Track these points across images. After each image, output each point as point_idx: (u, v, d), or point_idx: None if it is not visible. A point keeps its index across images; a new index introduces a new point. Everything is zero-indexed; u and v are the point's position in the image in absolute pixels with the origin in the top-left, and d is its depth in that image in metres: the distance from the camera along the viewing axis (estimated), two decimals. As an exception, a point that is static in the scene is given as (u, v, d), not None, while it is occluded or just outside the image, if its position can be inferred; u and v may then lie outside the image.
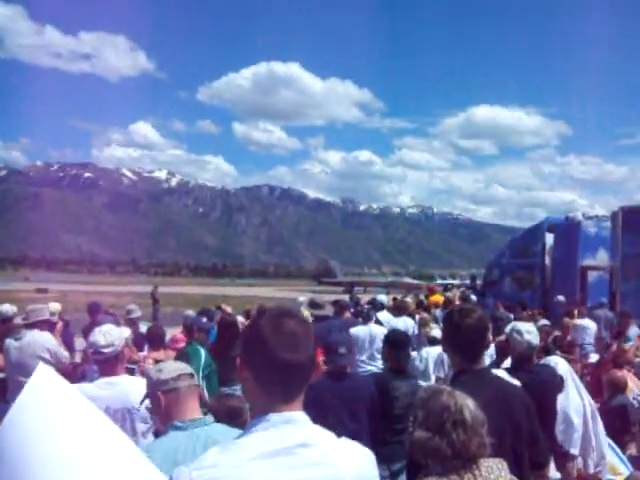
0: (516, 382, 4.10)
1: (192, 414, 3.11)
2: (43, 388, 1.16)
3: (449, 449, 2.50)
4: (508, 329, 5.52)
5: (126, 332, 4.74)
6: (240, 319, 10.05)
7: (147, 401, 3.33)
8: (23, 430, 1.09)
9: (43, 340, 6.93)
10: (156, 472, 1.30)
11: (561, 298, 15.19)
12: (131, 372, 5.94)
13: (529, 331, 5.26)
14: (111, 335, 4.32)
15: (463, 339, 3.38)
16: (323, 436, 1.86)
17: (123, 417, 3.97)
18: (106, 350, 4.20)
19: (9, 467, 1.07)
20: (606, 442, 6.22)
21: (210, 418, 3.16)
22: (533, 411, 3.50)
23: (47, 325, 7.25)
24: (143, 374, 5.58)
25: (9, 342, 7.01)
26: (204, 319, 8.24)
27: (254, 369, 1.86)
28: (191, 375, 3.27)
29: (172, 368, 3.25)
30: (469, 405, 2.60)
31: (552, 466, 5.12)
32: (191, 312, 9.24)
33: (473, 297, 18.43)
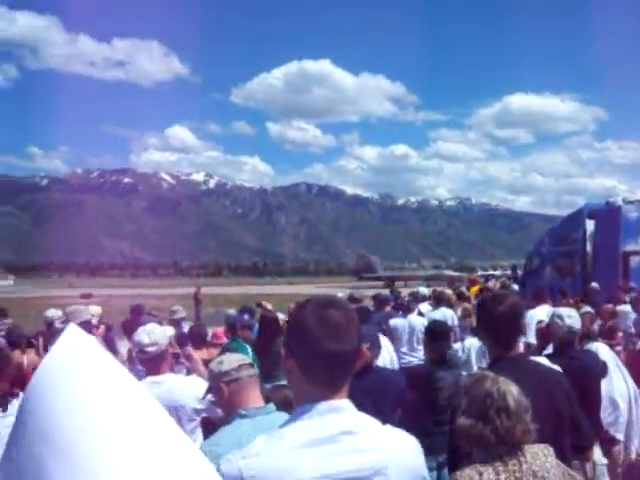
0: (557, 368, 4.09)
1: (255, 402, 3.20)
2: (73, 346, 1.11)
3: (493, 435, 2.52)
4: (549, 314, 5.51)
5: (170, 331, 4.81)
6: (281, 316, 10.10)
7: (209, 395, 3.43)
8: (51, 386, 1.07)
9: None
10: (186, 440, 1.23)
11: (595, 285, 14.98)
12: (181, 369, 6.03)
13: (570, 315, 5.23)
14: (155, 334, 4.38)
15: (497, 326, 3.36)
16: (368, 423, 1.87)
17: (169, 415, 4.03)
18: (150, 349, 4.25)
19: (38, 421, 1.06)
20: None
21: (272, 407, 3.22)
22: (574, 396, 3.47)
23: (87, 327, 7.33)
24: (190, 371, 5.66)
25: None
26: (246, 316, 8.30)
27: (299, 359, 1.87)
28: (251, 365, 3.36)
29: (232, 359, 3.36)
30: (512, 391, 2.61)
31: (598, 451, 5.11)
32: (232, 311, 9.30)
33: (514, 286, 18.30)
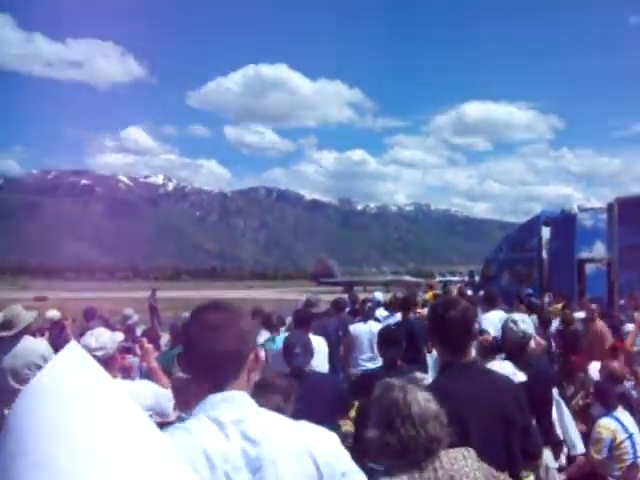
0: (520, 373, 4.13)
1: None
2: (70, 363, 1.13)
3: (399, 445, 2.52)
4: (502, 320, 5.58)
5: (119, 337, 4.73)
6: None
7: None
8: (40, 402, 1.08)
9: (37, 347, 6.86)
10: (173, 456, 1.24)
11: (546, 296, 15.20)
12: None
13: (524, 321, 5.33)
14: (103, 338, 4.31)
15: (447, 331, 3.34)
16: (262, 414, 1.96)
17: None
18: (97, 353, 4.19)
19: (20, 435, 1.07)
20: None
21: None
22: (524, 403, 3.49)
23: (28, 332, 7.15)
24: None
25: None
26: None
27: (188, 359, 2.06)
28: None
29: None
30: (418, 399, 2.60)
31: (550, 455, 5.17)
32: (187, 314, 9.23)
33: (469, 292, 18.45)
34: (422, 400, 2.60)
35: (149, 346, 5.31)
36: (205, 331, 1.97)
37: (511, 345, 5.31)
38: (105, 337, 4.36)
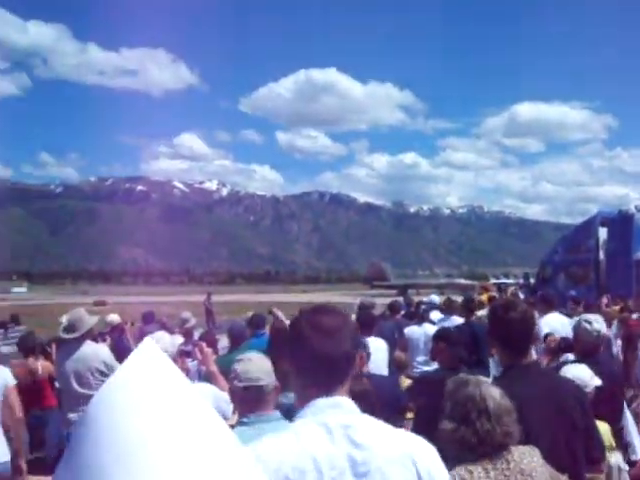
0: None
1: (261, 410, 3.29)
2: (146, 361, 1.16)
3: (474, 438, 2.57)
4: (576, 320, 5.56)
5: (178, 340, 4.82)
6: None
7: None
8: (119, 397, 1.11)
9: (99, 352, 7.01)
10: (247, 456, 1.26)
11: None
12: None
13: (597, 320, 5.33)
14: (163, 341, 4.38)
15: (508, 333, 3.34)
16: (367, 420, 1.94)
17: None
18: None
19: (102, 429, 1.09)
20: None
21: (276, 414, 3.33)
22: (588, 405, 3.46)
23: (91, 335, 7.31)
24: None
25: (63, 353, 7.15)
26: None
27: (296, 362, 2.03)
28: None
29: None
30: (494, 394, 2.66)
31: (620, 457, 5.09)
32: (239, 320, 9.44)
33: (521, 295, 18.26)
34: (497, 395, 2.65)
35: (208, 350, 5.38)
36: (320, 334, 1.96)
37: (585, 345, 5.29)
38: (165, 340, 4.43)
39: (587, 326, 5.23)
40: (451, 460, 2.23)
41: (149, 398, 1.12)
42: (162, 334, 4.67)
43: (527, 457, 2.61)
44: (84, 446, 1.11)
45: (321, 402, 1.92)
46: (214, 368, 5.12)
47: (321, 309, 2.08)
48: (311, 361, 1.96)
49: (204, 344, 5.75)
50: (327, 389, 1.94)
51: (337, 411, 1.91)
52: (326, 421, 1.87)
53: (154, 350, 1.19)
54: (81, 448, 1.12)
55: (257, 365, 3.42)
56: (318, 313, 2.04)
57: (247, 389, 3.31)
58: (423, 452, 1.95)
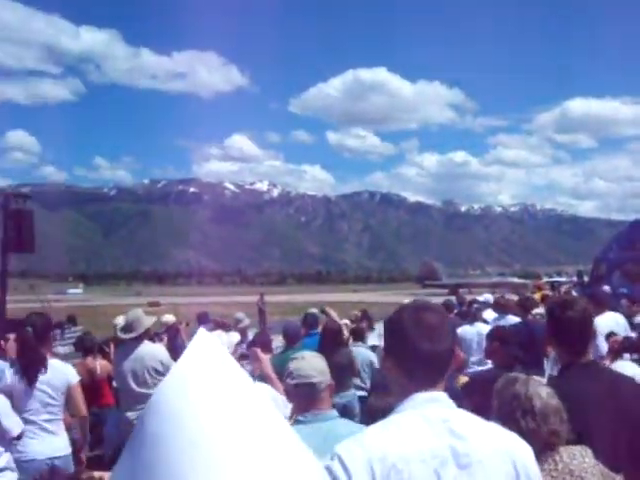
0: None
1: (317, 409, 3.28)
2: (204, 352, 1.17)
3: (519, 437, 2.53)
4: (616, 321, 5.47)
5: (235, 337, 4.87)
6: (346, 322, 10.10)
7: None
8: (182, 388, 1.12)
9: (155, 352, 7.12)
10: (307, 451, 1.26)
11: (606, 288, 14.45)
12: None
13: None
14: (221, 340, 4.43)
15: (567, 331, 3.29)
16: (464, 414, 1.99)
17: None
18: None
19: (168, 420, 1.11)
20: None
21: (333, 413, 3.32)
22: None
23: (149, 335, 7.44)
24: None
25: (121, 353, 7.29)
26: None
27: (397, 358, 2.05)
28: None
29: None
30: (541, 393, 2.64)
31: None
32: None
33: (574, 293, 17.98)
34: (544, 394, 2.62)
35: (264, 356, 5.41)
36: (422, 331, 1.98)
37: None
38: (222, 339, 4.47)
39: None
40: None
41: (210, 389, 1.13)
42: (219, 332, 4.73)
43: (577, 457, 2.56)
44: (148, 438, 1.13)
45: (420, 396, 1.95)
46: (272, 373, 5.14)
47: (421, 306, 2.10)
48: (413, 357, 1.99)
49: (259, 350, 5.79)
50: (427, 384, 1.98)
51: (436, 405, 1.95)
52: (426, 414, 1.91)
53: (211, 341, 1.19)
54: (145, 440, 1.13)
55: (310, 363, 3.42)
56: (419, 310, 2.06)
57: (298, 386, 3.32)
58: (520, 448, 1.98)
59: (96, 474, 2.90)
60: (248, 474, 1.08)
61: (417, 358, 1.98)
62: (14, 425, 4.83)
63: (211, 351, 1.17)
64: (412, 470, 1.83)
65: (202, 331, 1.22)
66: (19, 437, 4.93)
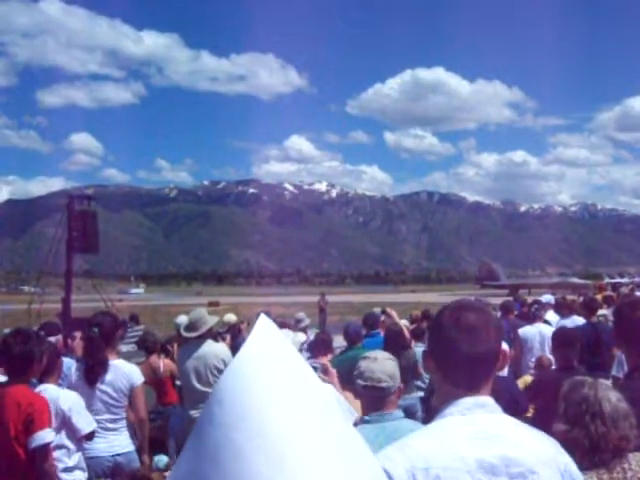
0: None
1: (384, 409, 3.30)
2: (265, 338, 1.16)
3: (587, 441, 2.49)
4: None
5: (301, 337, 4.90)
6: (405, 323, 10.07)
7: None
8: (246, 375, 1.13)
9: (218, 351, 7.20)
10: (368, 450, 1.25)
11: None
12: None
13: None
14: (290, 340, 4.47)
15: (635, 333, 3.21)
16: (514, 421, 1.92)
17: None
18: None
19: (234, 408, 1.11)
20: None
21: (399, 413, 3.35)
22: None
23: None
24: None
25: (184, 352, 7.40)
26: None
27: (438, 360, 1.98)
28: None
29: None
30: (610, 397, 2.57)
31: None
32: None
33: (638, 294, 17.61)
34: (614, 398, 2.57)
35: (333, 370, 5.42)
36: (463, 332, 1.91)
37: None
38: (289, 338, 4.50)
39: None
40: None
41: (274, 378, 1.12)
42: (286, 331, 4.76)
43: None
44: (212, 427, 1.13)
45: (465, 401, 1.88)
46: (339, 388, 5.08)
47: (464, 305, 2.03)
48: (454, 359, 1.92)
49: (328, 363, 5.77)
50: (471, 388, 1.90)
51: (482, 410, 1.87)
52: (473, 420, 1.84)
53: (273, 329, 1.19)
54: (209, 430, 1.14)
55: (381, 366, 3.42)
56: (461, 309, 1.98)
57: (366, 388, 3.34)
58: (564, 455, 1.93)
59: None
60: (310, 468, 1.08)
61: (456, 360, 1.91)
62: (85, 424, 4.92)
63: (274, 340, 1.17)
64: (459, 476, 1.75)
65: (264, 318, 1.20)
66: (90, 437, 5.00)
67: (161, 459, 6.61)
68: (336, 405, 1.22)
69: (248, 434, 1.08)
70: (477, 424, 1.83)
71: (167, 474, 4.58)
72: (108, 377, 5.56)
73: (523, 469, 1.79)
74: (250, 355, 1.15)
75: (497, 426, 1.85)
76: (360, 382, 3.36)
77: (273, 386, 1.12)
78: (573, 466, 1.94)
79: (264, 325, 1.18)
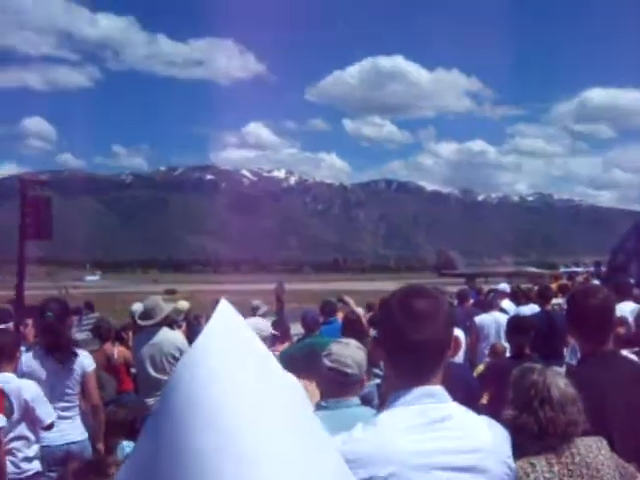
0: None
1: (337, 396, 3.30)
2: (226, 325, 1.13)
3: (536, 426, 2.53)
4: (634, 310, 5.42)
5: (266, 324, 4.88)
6: (361, 311, 10.10)
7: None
8: (204, 360, 1.10)
9: (174, 338, 7.18)
10: (327, 436, 1.23)
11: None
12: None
13: None
14: (259, 326, 4.46)
15: (588, 320, 3.24)
16: (462, 411, 1.88)
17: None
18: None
19: (189, 393, 1.08)
20: None
21: (355, 400, 3.34)
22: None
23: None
24: None
25: (139, 339, 7.34)
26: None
27: (386, 348, 1.93)
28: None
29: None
30: (558, 382, 2.62)
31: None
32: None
33: (596, 282, 17.91)
34: (562, 384, 2.61)
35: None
36: (411, 319, 1.84)
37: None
38: (260, 324, 4.51)
39: None
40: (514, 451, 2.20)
41: (234, 363, 1.10)
42: (257, 319, 4.76)
43: (594, 450, 2.54)
44: (168, 417, 1.09)
45: (414, 390, 1.82)
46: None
47: (415, 291, 1.96)
48: (402, 348, 1.86)
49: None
50: (420, 377, 1.84)
51: (431, 400, 1.82)
52: (421, 410, 1.79)
53: (232, 313, 1.16)
54: (164, 420, 1.10)
55: (352, 352, 3.42)
56: (410, 296, 1.92)
57: (332, 370, 3.32)
58: (508, 446, 1.92)
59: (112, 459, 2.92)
60: (270, 462, 1.04)
61: (405, 348, 1.85)
62: (47, 415, 4.86)
63: (234, 327, 1.14)
64: (407, 474, 1.72)
65: (224, 304, 1.16)
66: (49, 427, 4.95)
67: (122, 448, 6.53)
68: (299, 393, 1.21)
69: (203, 425, 1.05)
70: (425, 414, 1.79)
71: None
72: (60, 364, 5.48)
73: (469, 458, 1.77)
74: (208, 343, 1.11)
75: (445, 416, 1.80)
76: (327, 363, 3.34)
77: (231, 376, 1.09)
78: (511, 458, 1.92)
79: (224, 311, 1.15)
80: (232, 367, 1.09)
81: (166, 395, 1.14)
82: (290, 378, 1.18)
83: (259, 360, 1.14)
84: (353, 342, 3.64)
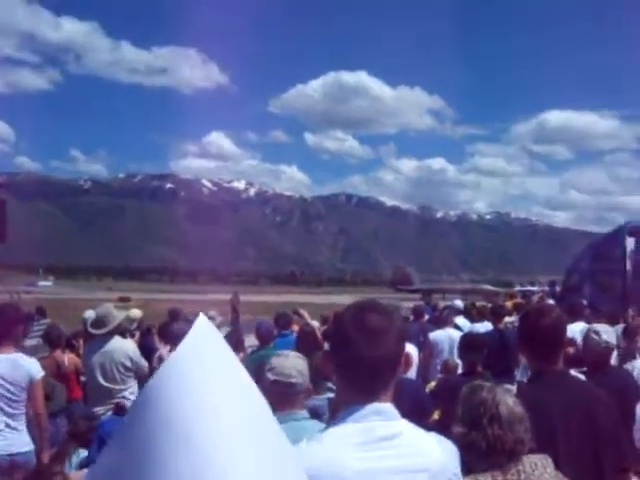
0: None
1: (288, 409, 3.28)
2: (203, 340, 1.13)
3: (484, 443, 2.52)
4: (583, 330, 5.47)
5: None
6: (316, 324, 10.08)
7: None
8: (179, 376, 1.09)
9: (125, 347, 7.10)
10: (288, 443, 1.25)
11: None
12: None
13: (606, 331, 5.21)
14: None
15: (540, 339, 3.28)
16: (410, 428, 1.85)
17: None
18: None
19: (162, 408, 1.07)
20: None
21: (304, 414, 3.36)
22: (616, 415, 3.39)
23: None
24: None
25: (90, 347, 7.24)
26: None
27: (336, 361, 1.90)
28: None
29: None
30: (507, 400, 2.62)
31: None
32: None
33: (550, 302, 18.14)
34: (510, 402, 2.62)
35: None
36: (362, 334, 1.81)
37: (592, 356, 5.20)
38: None
39: (594, 337, 5.12)
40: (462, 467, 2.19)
41: (208, 379, 1.09)
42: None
43: (539, 468, 2.54)
44: (138, 428, 1.08)
45: (362, 408, 1.79)
46: None
47: (368, 306, 1.92)
48: (352, 363, 1.83)
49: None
50: (369, 393, 1.81)
51: (379, 417, 1.79)
52: (368, 428, 1.77)
53: (210, 328, 1.16)
54: (134, 430, 1.09)
55: (293, 363, 3.44)
56: (362, 311, 1.88)
57: (276, 383, 3.31)
58: (456, 464, 1.91)
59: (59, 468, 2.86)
60: (238, 466, 1.04)
61: (355, 363, 1.82)
62: None
63: (210, 342, 1.15)
64: None
65: (202, 319, 1.17)
66: None
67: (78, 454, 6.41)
68: (267, 408, 1.21)
69: (174, 438, 1.04)
70: (372, 432, 1.76)
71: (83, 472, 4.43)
72: (7, 371, 5.37)
73: (416, 477, 1.76)
74: (184, 356, 1.11)
75: (394, 434, 1.78)
76: (270, 376, 3.33)
77: (205, 390, 1.08)
78: (458, 475, 1.92)
79: (201, 326, 1.15)
80: (206, 383, 1.09)
81: (136, 407, 1.13)
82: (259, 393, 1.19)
83: (234, 376, 1.15)
84: (292, 353, 3.69)
